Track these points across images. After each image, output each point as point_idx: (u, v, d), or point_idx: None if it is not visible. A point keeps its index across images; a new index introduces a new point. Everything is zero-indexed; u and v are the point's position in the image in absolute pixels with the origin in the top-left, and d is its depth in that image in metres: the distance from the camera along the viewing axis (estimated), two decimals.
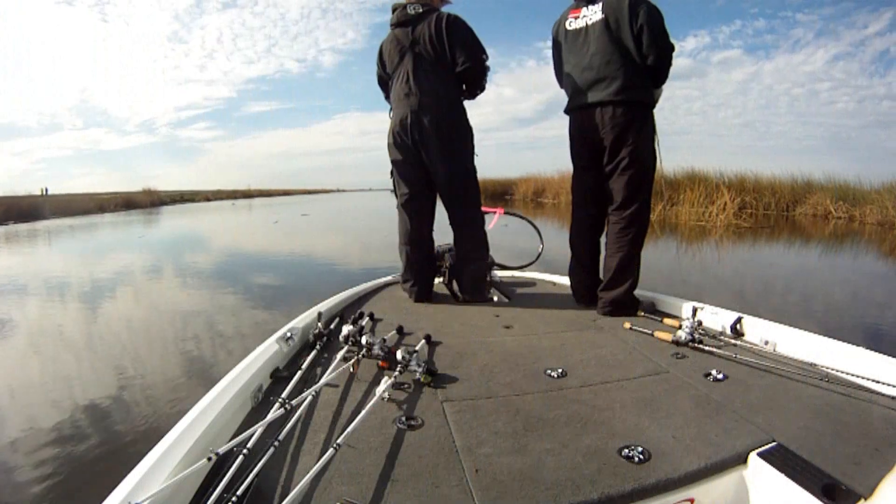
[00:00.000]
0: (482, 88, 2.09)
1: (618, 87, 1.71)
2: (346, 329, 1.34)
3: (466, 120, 2.05)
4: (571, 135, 1.93)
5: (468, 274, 2.07)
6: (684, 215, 10.34)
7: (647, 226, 1.84)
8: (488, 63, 2.01)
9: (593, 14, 1.76)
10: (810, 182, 11.39)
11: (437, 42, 1.93)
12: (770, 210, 11.16)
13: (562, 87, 1.98)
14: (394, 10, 2.02)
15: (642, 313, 1.76)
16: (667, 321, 1.64)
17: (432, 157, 1.96)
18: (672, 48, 1.73)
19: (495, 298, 2.18)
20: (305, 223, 14.23)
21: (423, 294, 2.04)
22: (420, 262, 2.06)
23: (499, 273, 2.55)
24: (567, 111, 1.94)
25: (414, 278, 2.04)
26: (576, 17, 1.83)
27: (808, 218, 10.59)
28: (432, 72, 1.95)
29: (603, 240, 1.92)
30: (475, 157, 2.07)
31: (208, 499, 0.67)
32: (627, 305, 1.79)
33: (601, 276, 1.88)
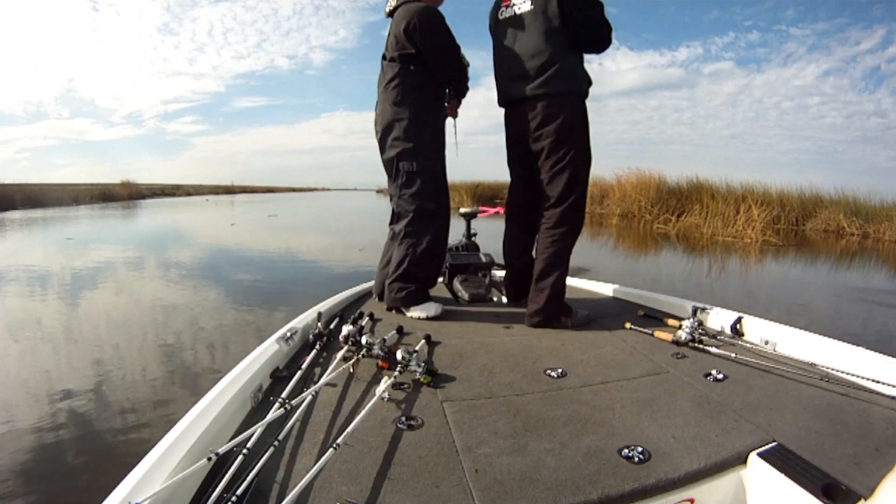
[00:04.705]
0: None
1: (543, 79, 1.64)
2: (346, 329, 1.34)
3: None
4: (506, 131, 1.87)
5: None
6: (706, 229, 9.30)
7: (579, 228, 1.73)
8: None
9: (522, 3, 1.69)
10: (819, 196, 10.77)
11: None
12: (780, 224, 10.35)
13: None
14: None
15: (642, 313, 1.76)
16: (667, 321, 1.64)
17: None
18: (601, 9, 1.64)
19: (495, 299, 2.18)
20: (270, 226, 12.08)
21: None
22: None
23: (498, 273, 2.55)
24: (500, 104, 1.86)
25: None
26: (507, 6, 1.74)
27: (819, 233, 9.92)
28: None
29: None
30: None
31: (208, 499, 0.67)
32: (553, 315, 1.66)
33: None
